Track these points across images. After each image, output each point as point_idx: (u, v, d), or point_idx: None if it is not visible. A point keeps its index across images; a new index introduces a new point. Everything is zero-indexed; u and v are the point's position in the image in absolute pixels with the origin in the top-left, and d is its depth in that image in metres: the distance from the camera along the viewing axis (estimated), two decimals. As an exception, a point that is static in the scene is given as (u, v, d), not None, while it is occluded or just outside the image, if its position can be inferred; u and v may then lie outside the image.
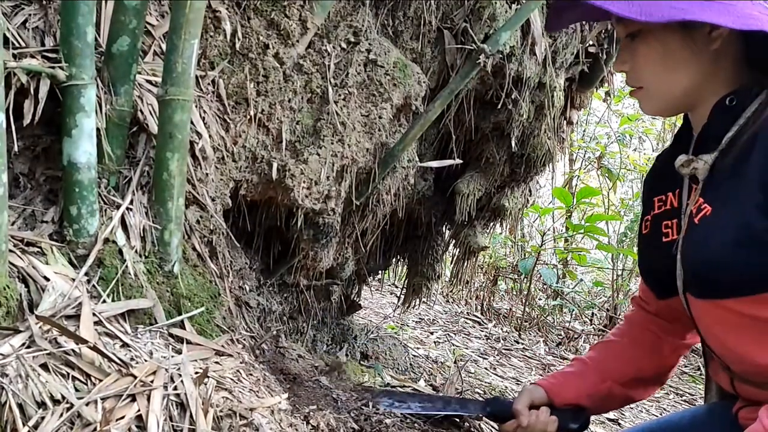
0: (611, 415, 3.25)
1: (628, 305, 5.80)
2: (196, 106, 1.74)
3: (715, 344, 1.37)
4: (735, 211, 1.18)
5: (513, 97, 2.48)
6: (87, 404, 1.19)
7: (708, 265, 1.23)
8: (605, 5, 1.16)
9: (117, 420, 1.19)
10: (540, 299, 6.00)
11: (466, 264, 3.22)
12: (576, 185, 6.84)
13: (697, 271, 1.26)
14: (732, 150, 1.20)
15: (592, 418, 3.10)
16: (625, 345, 1.67)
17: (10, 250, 1.36)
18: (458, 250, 3.18)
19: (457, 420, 2.15)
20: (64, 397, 1.19)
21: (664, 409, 3.65)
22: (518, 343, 4.68)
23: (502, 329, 5.06)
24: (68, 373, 1.24)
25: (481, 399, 1.97)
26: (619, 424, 3.13)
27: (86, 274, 1.45)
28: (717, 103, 1.24)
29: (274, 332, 2.22)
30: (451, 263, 3.33)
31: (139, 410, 1.23)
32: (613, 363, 1.67)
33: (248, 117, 1.91)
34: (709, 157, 1.24)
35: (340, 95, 2.04)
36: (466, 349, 4.16)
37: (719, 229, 1.20)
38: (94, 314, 1.37)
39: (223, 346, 1.58)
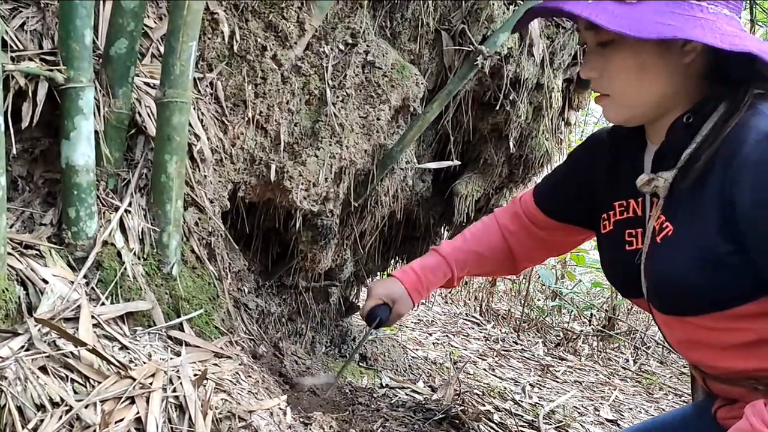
0: (610, 415, 3.25)
1: (620, 301, 5.81)
2: (194, 108, 1.74)
3: (679, 350, 1.41)
4: (696, 233, 1.20)
5: (511, 98, 2.48)
6: (86, 406, 1.19)
7: (669, 285, 1.26)
8: (593, 19, 1.16)
9: (116, 422, 1.19)
10: (539, 300, 6.00)
11: (464, 265, 3.21)
12: (574, 186, 6.83)
13: (659, 291, 1.30)
14: (691, 168, 1.22)
15: (590, 417, 3.11)
16: (491, 263, 1.76)
17: (9, 253, 1.36)
18: (457, 251, 3.17)
19: (456, 421, 2.15)
20: (63, 400, 1.19)
21: (663, 410, 3.65)
22: (517, 344, 4.68)
23: (500, 330, 5.06)
24: (67, 376, 1.24)
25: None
26: (617, 424, 3.14)
27: (85, 276, 1.45)
28: (675, 120, 1.25)
29: (276, 338, 2.22)
30: (450, 264, 3.32)
31: (138, 412, 1.23)
32: (468, 274, 1.78)
33: (246, 119, 1.91)
34: (668, 174, 1.25)
35: (338, 97, 2.04)
36: (465, 350, 4.16)
37: (681, 251, 1.22)
38: (93, 316, 1.37)
39: (221, 347, 1.58)
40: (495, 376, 3.61)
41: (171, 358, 1.41)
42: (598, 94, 1.32)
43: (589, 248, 6.40)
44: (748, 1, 3.04)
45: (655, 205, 1.30)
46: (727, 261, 1.16)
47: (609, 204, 1.44)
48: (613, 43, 1.24)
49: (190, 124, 1.63)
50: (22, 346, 1.24)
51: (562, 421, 2.73)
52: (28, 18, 1.52)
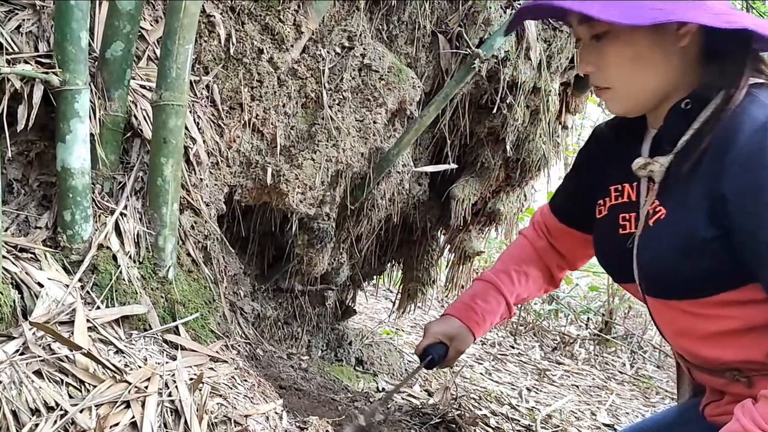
0: (607, 420, 3.25)
1: (617, 305, 5.82)
2: (190, 111, 1.74)
3: (667, 337, 1.44)
4: (685, 217, 1.22)
5: (508, 101, 2.48)
6: (81, 411, 1.18)
7: (658, 268, 1.28)
8: (584, 11, 1.15)
9: (111, 427, 1.19)
10: (535, 304, 6.00)
11: (461, 269, 3.21)
12: (571, 190, 6.83)
13: (648, 273, 1.32)
14: (687, 155, 1.22)
15: (587, 422, 3.11)
16: (531, 280, 1.75)
17: (4, 256, 1.35)
18: (453, 254, 3.18)
19: (453, 426, 2.14)
20: (58, 404, 1.18)
21: (660, 414, 3.64)
22: (513, 348, 4.68)
23: (497, 334, 5.06)
24: (62, 380, 1.24)
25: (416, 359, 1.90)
26: (614, 429, 3.13)
27: (80, 280, 1.44)
28: (673, 106, 1.25)
29: (272, 342, 2.21)
30: (446, 268, 3.32)
31: (133, 417, 1.22)
32: (519, 295, 1.75)
33: (243, 122, 1.91)
34: (665, 159, 1.26)
35: (334, 100, 2.04)
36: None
37: (670, 235, 1.24)
38: (88, 320, 1.36)
39: (217, 351, 1.57)
40: (492, 380, 3.60)
41: (166, 362, 1.41)
42: (599, 88, 1.31)
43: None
44: (745, 3, 3.04)
45: (651, 190, 1.31)
46: (709, 247, 1.17)
47: (605, 189, 1.44)
48: (608, 34, 1.23)
49: (186, 127, 1.63)
50: (17, 350, 1.24)
51: (559, 426, 2.73)
52: (23, 20, 1.52)
